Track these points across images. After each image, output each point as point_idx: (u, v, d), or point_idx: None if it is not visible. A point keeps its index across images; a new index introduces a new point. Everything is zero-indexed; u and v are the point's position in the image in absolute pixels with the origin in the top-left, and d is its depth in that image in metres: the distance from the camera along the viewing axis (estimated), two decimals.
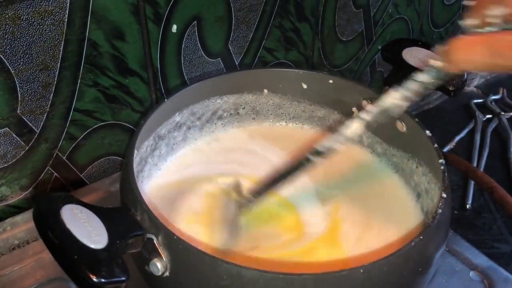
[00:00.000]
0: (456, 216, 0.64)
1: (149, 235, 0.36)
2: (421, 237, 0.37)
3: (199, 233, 0.46)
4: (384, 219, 0.49)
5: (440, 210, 0.40)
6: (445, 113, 0.80)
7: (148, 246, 0.36)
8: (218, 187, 0.52)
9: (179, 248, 0.35)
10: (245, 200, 0.46)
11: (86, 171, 0.58)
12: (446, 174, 0.44)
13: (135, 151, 0.44)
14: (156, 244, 0.35)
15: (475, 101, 0.82)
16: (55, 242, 0.30)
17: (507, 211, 0.59)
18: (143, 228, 0.36)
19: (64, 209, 0.32)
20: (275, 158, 0.56)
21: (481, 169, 0.69)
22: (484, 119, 0.79)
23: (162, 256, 0.36)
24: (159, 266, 0.36)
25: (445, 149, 0.73)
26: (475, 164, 0.70)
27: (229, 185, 0.51)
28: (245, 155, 0.57)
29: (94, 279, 0.29)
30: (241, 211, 0.46)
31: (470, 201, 0.65)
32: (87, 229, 0.31)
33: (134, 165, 0.44)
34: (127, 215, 0.37)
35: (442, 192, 0.42)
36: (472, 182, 0.66)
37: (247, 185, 0.49)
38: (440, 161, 0.45)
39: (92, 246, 0.30)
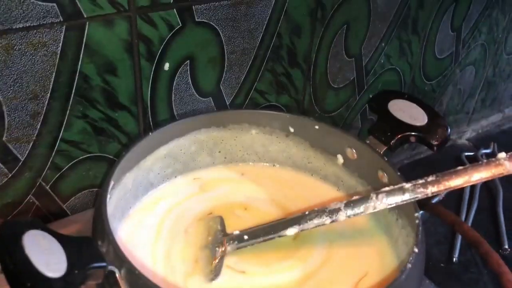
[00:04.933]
0: (443, 269, 0.63)
1: (111, 268, 0.36)
2: None
3: (174, 272, 0.47)
4: (358, 267, 0.49)
5: (409, 265, 0.40)
6: (436, 164, 0.80)
7: (110, 279, 0.36)
8: (199, 224, 0.53)
9: (140, 283, 0.35)
10: (231, 238, 0.48)
11: (69, 202, 0.59)
12: (420, 228, 0.44)
13: (111, 182, 0.46)
14: (118, 278, 0.36)
15: (466, 153, 0.84)
16: (10, 267, 0.31)
17: (491, 266, 0.59)
18: (107, 260, 0.37)
19: (26, 235, 0.33)
20: (259, 198, 0.57)
21: (470, 222, 0.69)
22: None
23: None
24: None
25: (434, 200, 0.73)
26: (463, 217, 0.71)
27: (211, 222, 0.52)
28: (228, 194, 0.58)
29: None
30: (224, 251, 0.47)
31: (457, 255, 0.65)
32: (47, 257, 0.32)
33: (111, 197, 0.46)
34: (92, 246, 0.37)
35: (415, 247, 0.42)
36: (460, 236, 0.66)
37: (231, 225, 0.50)
38: (416, 214, 0.46)
39: (49, 274, 0.31)
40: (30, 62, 0.49)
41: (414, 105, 0.57)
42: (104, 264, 0.36)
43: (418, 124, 0.56)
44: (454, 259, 0.64)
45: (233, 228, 0.50)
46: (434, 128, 0.55)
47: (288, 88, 0.69)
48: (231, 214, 0.54)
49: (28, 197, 0.56)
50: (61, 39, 0.49)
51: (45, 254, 0.32)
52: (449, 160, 0.83)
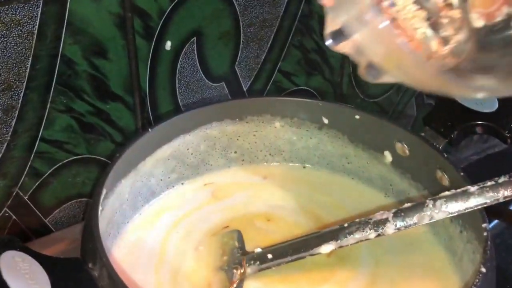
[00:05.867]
0: None
1: None
2: None
3: None
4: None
5: None
6: None
7: None
8: (212, 241, 0.54)
9: None
10: (251, 258, 0.49)
11: (52, 216, 0.61)
12: (489, 242, 0.45)
13: (104, 190, 0.47)
14: None
15: None
16: None
17: None
18: (100, 287, 0.38)
19: (3, 257, 0.34)
20: (285, 207, 0.59)
21: None
22: None
23: None
24: None
25: None
26: None
27: (226, 237, 0.53)
28: (247, 202, 0.59)
29: None
30: (244, 273, 0.48)
31: None
32: (27, 282, 0.34)
33: (103, 209, 0.47)
34: (82, 269, 0.39)
35: (482, 266, 0.43)
36: None
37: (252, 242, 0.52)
38: (484, 225, 0.46)
39: None
40: (2, 45, 0.50)
41: None
42: None
43: (486, 110, 0.56)
44: None
45: (254, 245, 0.51)
46: (507, 115, 0.55)
47: (321, 68, 0.70)
48: (251, 227, 0.56)
49: (3, 210, 0.57)
50: (38, 16, 0.50)
51: (25, 279, 0.34)
52: None
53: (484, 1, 0.37)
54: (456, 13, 0.37)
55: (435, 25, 0.37)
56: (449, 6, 0.38)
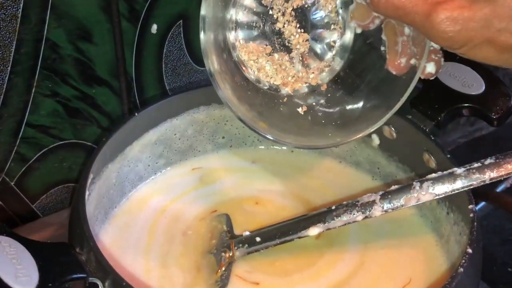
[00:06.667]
0: (510, 274, 0.64)
1: (93, 280, 0.38)
2: None
3: (172, 283, 0.49)
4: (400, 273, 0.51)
5: (461, 270, 0.41)
6: (502, 141, 0.80)
7: None
8: (200, 225, 0.54)
9: None
10: (240, 241, 0.49)
11: (39, 201, 0.61)
12: (475, 224, 0.45)
13: (91, 175, 0.47)
14: None
15: None
16: None
17: None
18: (87, 271, 0.38)
19: None
20: (273, 191, 0.59)
21: None
22: None
23: None
24: None
25: (499, 189, 0.74)
26: None
27: (214, 221, 0.54)
28: (235, 186, 0.59)
29: None
30: (232, 257, 0.49)
31: None
32: (14, 267, 0.34)
33: (90, 194, 0.47)
34: (69, 254, 0.39)
35: (468, 247, 0.43)
36: None
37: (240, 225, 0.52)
38: (471, 206, 0.47)
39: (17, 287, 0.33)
40: None
41: (468, 68, 0.57)
42: (84, 275, 0.38)
43: (473, 92, 0.56)
44: None
45: (242, 228, 0.52)
46: (493, 97, 0.56)
47: None
48: (239, 211, 0.56)
49: None
50: None
51: (13, 264, 0.34)
52: None
53: (361, 15, 0.44)
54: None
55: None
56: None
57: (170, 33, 0.60)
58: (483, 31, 0.35)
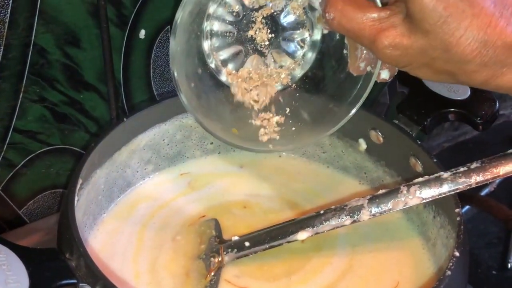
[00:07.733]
0: (494, 277, 0.65)
1: (83, 285, 0.38)
2: None
3: (162, 286, 0.49)
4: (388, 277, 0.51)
5: (449, 273, 0.42)
6: (485, 146, 0.82)
7: None
8: (189, 230, 0.54)
9: None
10: (228, 246, 0.49)
11: (26, 207, 0.61)
12: (462, 227, 0.46)
13: (79, 181, 0.47)
14: None
15: None
16: None
17: None
18: (77, 276, 0.38)
19: None
20: (262, 195, 0.59)
21: None
22: None
23: None
24: None
25: (483, 192, 0.75)
26: None
27: (203, 226, 0.54)
28: (224, 191, 0.60)
29: None
30: (221, 261, 0.49)
31: None
32: (4, 273, 0.33)
33: (79, 199, 0.47)
34: (59, 259, 0.39)
35: (455, 250, 0.44)
36: None
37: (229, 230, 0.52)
38: (457, 210, 0.47)
39: None
40: None
41: None
42: (74, 281, 0.38)
43: (458, 98, 0.57)
44: (509, 265, 0.66)
45: (231, 233, 0.52)
46: (479, 102, 0.56)
47: None
48: (228, 215, 0.56)
49: None
50: (10, 4, 0.50)
51: (3, 270, 0.34)
52: (502, 140, 0.83)
53: (324, 23, 0.44)
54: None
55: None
56: None
57: (158, 38, 0.60)
58: (420, 57, 0.39)
